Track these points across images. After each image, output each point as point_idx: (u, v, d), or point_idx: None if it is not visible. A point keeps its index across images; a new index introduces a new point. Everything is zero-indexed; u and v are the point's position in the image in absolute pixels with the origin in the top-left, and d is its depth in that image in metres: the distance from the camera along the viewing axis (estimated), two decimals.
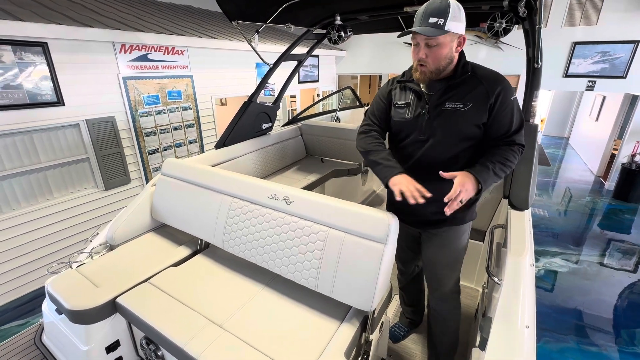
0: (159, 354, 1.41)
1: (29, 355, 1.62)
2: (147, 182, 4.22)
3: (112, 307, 1.43)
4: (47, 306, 1.61)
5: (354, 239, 1.28)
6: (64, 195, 3.49)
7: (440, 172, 1.16)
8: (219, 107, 5.31)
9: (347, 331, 1.27)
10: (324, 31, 2.90)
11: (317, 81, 7.39)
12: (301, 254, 1.38)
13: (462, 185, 1.12)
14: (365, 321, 1.35)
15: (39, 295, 3.27)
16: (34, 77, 3.05)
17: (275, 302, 1.45)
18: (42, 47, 3.07)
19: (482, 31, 6.15)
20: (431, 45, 1.16)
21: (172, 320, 1.31)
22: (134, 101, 3.92)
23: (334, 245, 1.31)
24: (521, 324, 1.03)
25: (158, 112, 4.23)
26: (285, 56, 2.75)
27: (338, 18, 2.66)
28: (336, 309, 1.39)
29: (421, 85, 1.29)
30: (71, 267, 1.65)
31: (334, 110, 4.20)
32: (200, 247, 1.83)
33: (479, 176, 1.16)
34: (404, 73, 1.40)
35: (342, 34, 2.87)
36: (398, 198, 1.19)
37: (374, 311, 1.34)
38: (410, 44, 1.62)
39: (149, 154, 4.22)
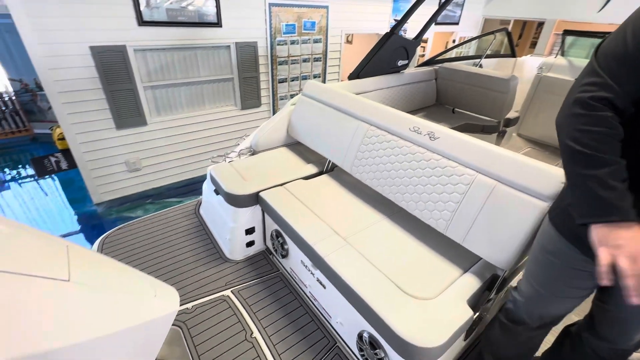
0: (285, 247, 1.64)
1: (191, 220, 2.10)
2: (273, 108, 4.61)
3: (255, 199, 1.68)
4: (206, 187, 2.01)
5: (508, 190, 1.12)
6: (212, 108, 4.13)
7: None
8: (345, 45, 5.20)
9: (472, 281, 1.20)
10: None
11: (457, 24, 6.39)
12: (436, 193, 1.31)
13: None
14: (493, 280, 1.25)
15: (190, 183, 4.15)
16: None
17: (396, 233, 1.46)
18: None
19: None
20: None
21: (303, 221, 1.47)
22: (274, 28, 4.13)
23: (479, 192, 1.19)
24: None
25: (292, 42, 4.39)
26: None
27: None
28: (460, 258, 1.32)
29: None
30: (225, 161, 1.98)
31: (479, 57, 3.61)
32: (327, 169, 1.94)
33: None
34: None
35: None
36: (605, 281, 0.67)
37: (505, 272, 1.22)
38: None
39: (278, 82, 4.54)
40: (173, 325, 1.42)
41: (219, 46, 3.82)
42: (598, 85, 0.71)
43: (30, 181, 4.17)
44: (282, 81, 4.56)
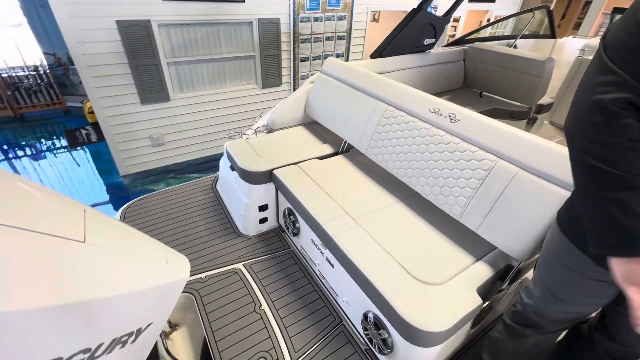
0: (296, 225, 1.65)
1: (208, 195, 2.16)
2: (294, 87, 4.56)
3: (268, 177, 1.69)
4: (223, 163, 2.05)
5: (532, 177, 1.06)
6: (233, 86, 4.14)
7: None
8: (370, 23, 4.99)
9: (484, 270, 1.17)
10: None
11: (493, 1, 5.96)
12: (453, 178, 1.26)
13: None
14: (507, 270, 1.21)
15: (210, 160, 4.25)
16: None
17: (408, 217, 1.43)
18: None
19: None
20: None
21: (315, 201, 1.47)
22: (297, 4, 4.02)
23: (498, 178, 1.13)
24: None
25: (316, 19, 4.27)
26: None
27: None
28: (473, 247, 1.28)
29: None
30: (242, 137, 1.99)
31: (514, 37, 3.36)
32: (342, 150, 1.91)
33: None
34: None
35: None
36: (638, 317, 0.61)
37: (520, 263, 1.17)
38: None
39: (300, 61, 4.46)
40: (187, 292, 1.49)
41: (242, 22, 3.77)
42: (616, 85, 0.60)
43: (64, 152, 4.41)
44: (304, 60, 4.47)
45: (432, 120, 1.36)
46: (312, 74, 4.59)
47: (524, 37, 3.42)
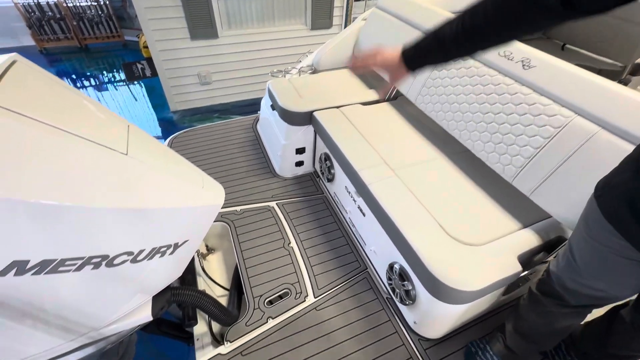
0: (331, 171, 1.62)
1: (248, 133, 2.19)
2: None
3: (308, 119, 1.64)
4: (264, 103, 2.02)
5: (614, 139, 0.89)
6: (281, 25, 3.94)
7: None
8: None
9: (530, 238, 1.07)
10: None
11: None
12: (513, 135, 1.11)
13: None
14: (557, 242, 1.10)
15: (253, 103, 4.26)
16: None
17: (452, 174, 1.32)
18: None
19: None
20: None
21: (353, 146, 1.41)
22: None
23: (571, 138, 0.97)
24: None
25: None
26: None
27: None
28: (522, 212, 1.16)
29: None
30: (284, 76, 1.92)
31: None
32: (389, 97, 1.78)
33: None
34: None
35: None
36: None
37: None
38: None
39: (355, 0, 4.06)
40: (223, 221, 1.58)
41: None
42: None
43: (122, 84, 4.68)
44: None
45: (500, 66, 1.17)
46: None
47: None
